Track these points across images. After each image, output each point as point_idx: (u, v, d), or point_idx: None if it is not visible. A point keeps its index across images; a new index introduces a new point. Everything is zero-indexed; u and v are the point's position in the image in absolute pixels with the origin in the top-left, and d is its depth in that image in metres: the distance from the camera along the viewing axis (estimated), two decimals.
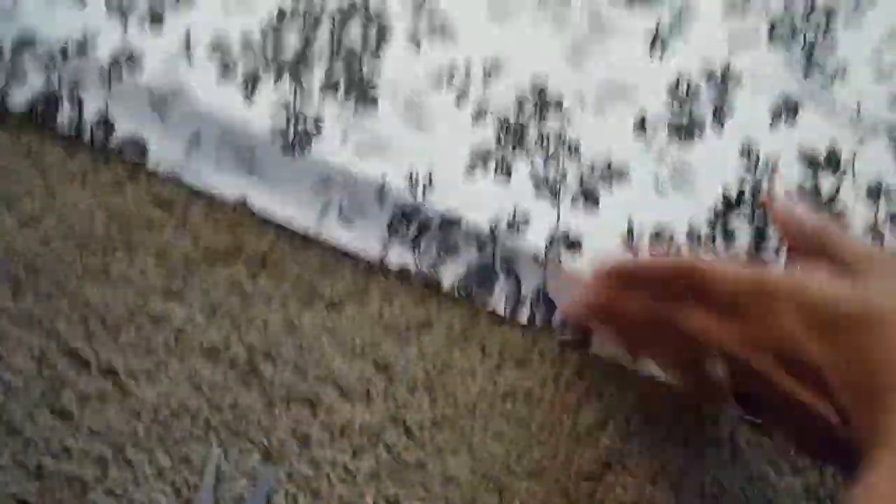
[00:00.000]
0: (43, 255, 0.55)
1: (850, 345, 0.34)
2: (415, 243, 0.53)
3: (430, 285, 0.53)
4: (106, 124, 0.56)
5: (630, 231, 0.53)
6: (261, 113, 0.56)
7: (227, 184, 0.55)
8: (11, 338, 0.54)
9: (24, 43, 0.58)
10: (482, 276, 0.52)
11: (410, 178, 0.54)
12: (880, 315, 0.33)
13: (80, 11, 0.59)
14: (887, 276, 0.35)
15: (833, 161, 0.53)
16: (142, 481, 0.52)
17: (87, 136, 0.56)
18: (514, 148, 0.54)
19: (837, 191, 0.52)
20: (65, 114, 0.56)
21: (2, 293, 0.55)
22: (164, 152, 0.55)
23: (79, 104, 0.56)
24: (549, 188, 0.53)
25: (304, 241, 0.55)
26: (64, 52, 0.57)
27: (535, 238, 0.52)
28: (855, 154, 0.53)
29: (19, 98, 0.57)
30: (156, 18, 0.58)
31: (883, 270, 0.35)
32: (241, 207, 0.55)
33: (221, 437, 0.52)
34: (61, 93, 0.57)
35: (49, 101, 0.56)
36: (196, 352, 0.53)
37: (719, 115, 0.54)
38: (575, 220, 0.53)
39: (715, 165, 0.53)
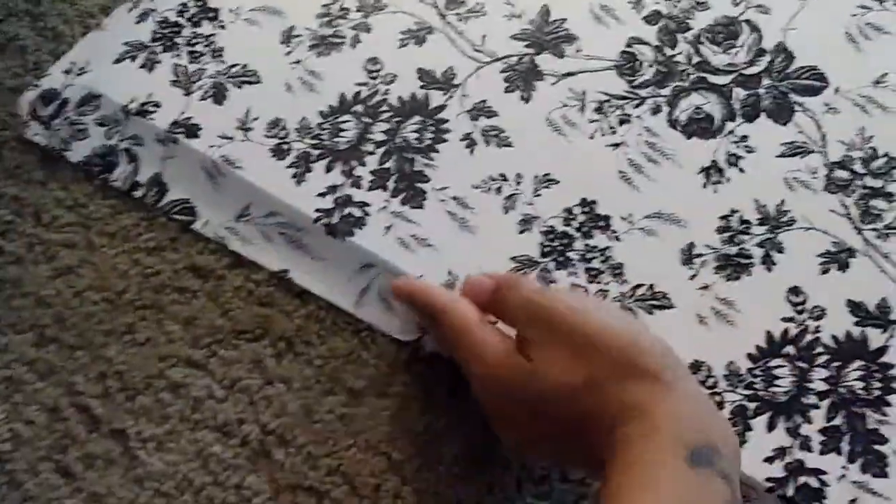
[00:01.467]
0: (73, 308, 0.55)
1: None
2: None
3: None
4: (160, 185, 0.57)
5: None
6: (309, 194, 0.56)
7: (271, 255, 0.55)
8: (28, 387, 0.53)
9: (89, 99, 0.59)
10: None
11: (449, 277, 0.53)
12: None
13: (147, 75, 0.60)
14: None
15: (883, 316, 0.51)
16: None
17: (139, 194, 0.56)
18: (557, 260, 0.53)
19: (885, 347, 0.51)
20: (120, 171, 0.57)
21: (25, 341, 0.55)
22: (213, 218, 0.56)
23: (135, 163, 0.57)
24: None
25: (333, 328, 0.54)
26: (126, 111, 0.58)
27: None
28: None
29: (78, 152, 0.58)
30: (219, 95, 0.59)
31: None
32: (276, 287, 0.55)
33: None
34: (119, 150, 0.57)
35: (107, 158, 0.57)
36: (210, 425, 0.52)
37: (769, 254, 0.53)
38: None
39: (761, 304, 0.52)
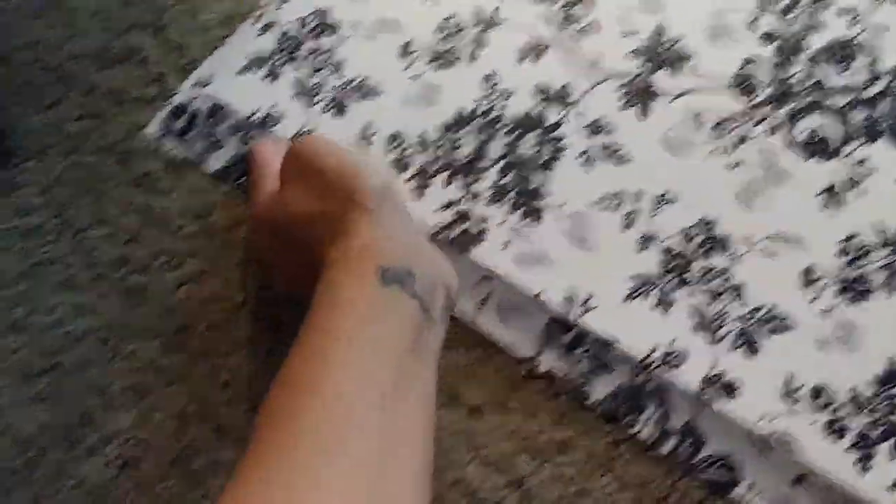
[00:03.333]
0: (197, 316, 0.56)
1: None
2: (568, 351, 0.53)
3: (577, 398, 0.53)
4: None
5: (788, 383, 0.51)
6: (429, 208, 0.57)
7: None
8: (154, 394, 0.55)
9: (216, 110, 0.60)
10: (631, 399, 0.51)
11: (569, 294, 0.53)
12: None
13: (269, 86, 0.61)
14: None
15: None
16: None
17: None
18: (677, 280, 0.54)
19: None
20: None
21: (151, 349, 0.56)
22: None
23: None
24: (709, 327, 0.52)
25: (451, 342, 0.55)
26: (251, 121, 0.60)
27: (689, 375, 0.51)
28: None
29: (216, 161, 0.59)
30: (340, 108, 0.60)
31: None
32: None
33: None
34: None
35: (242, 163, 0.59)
36: None
37: (890, 280, 0.53)
38: (732, 362, 0.51)
39: (884, 331, 0.51)
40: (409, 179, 0.58)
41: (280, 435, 0.35)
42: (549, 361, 0.53)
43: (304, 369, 0.38)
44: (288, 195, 0.46)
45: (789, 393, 0.50)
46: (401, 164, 0.58)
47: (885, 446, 0.49)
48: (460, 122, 0.60)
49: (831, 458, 0.48)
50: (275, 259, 0.51)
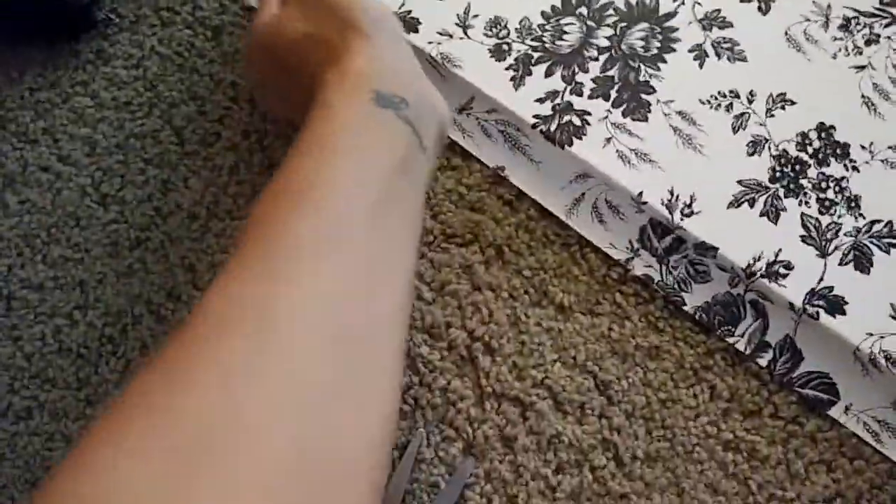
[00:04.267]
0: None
1: None
2: (665, 256, 0.50)
3: (670, 305, 0.50)
4: None
5: None
6: (528, 98, 0.54)
7: (490, 150, 0.54)
8: None
9: None
10: (728, 309, 0.49)
11: (671, 196, 0.51)
12: None
13: None
14: None
15: None
16: None
17: None
18: (788, 188, 0.50)
19: None
20: None
21: (238, 227, 0.55)
22: None
23: None
24: (819, 239, 0.49)
25: (544, 239, 0.53)
26: None
27: (794, 287, 0.48)
28: None
29: None
30: None
31: None
32: (487, 193, 0.54)
33: (428, 419, 0.50)
34: None
35: None
36: (417, 326, 0.52)
37: None
38: (841, 277, 0.48)
39: None
40: (508, 68, 0.55)
41: (268, 238, 0.34)
42: (644, 265, 0.51)
43: (294, 178, 0.37)
44: (287, 18, 0.45)
45: None
46: (501, 52, 0.55)
47: None
48: (565, 9, 0.56)
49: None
50: (270, 82, 0.49)
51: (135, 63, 0.59)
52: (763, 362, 0.48)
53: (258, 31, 0.47)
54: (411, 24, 0.56)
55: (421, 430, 0.50)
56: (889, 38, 0.53)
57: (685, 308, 0.50)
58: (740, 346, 0.49)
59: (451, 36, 0.56)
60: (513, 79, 0.55)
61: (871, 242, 0.49)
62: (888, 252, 0.49)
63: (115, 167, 0.57)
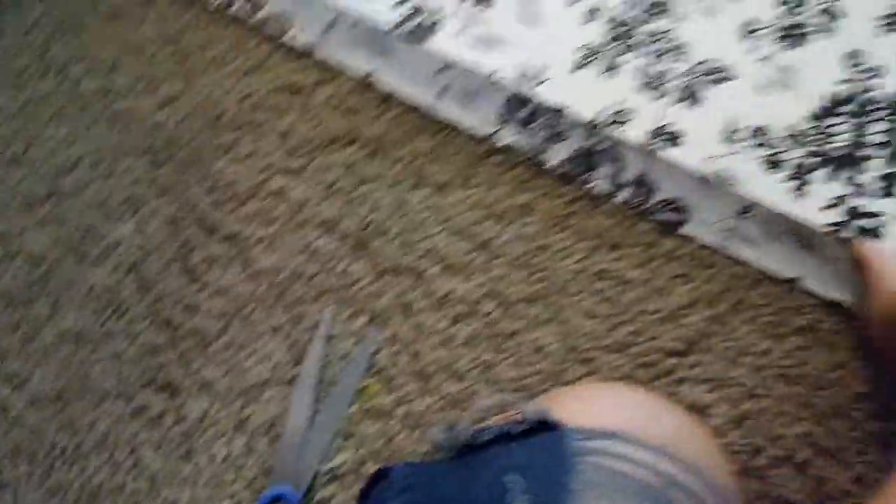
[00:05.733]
0: (180, 132, 0.61)
1: None
2: (526, 124, 0.56)
3: (534, 166, 0.56)
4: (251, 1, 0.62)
5: (729, 127, 0.54)
6: (388, 5, 0.60)
7: (356, 62, 0.60)
8: (149, 204, 0.60)
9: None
10: (585, 160, 0.55)
11: (522, 71, 0.56)
12: None
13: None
14: None
15: None
16: (259, 336, 0.56)
17: (234, 9, 0.63)
18: (622, 46, 0.56)
19: None
20: None
21: (142, 164, 0.61)
22: (304, 30, 0.61)
23: None
24: (654, 85, 0.55)
25: (417, 128, 0.58)
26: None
27: (637, 130, 0.54)
28: None
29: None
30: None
31: None
32: (360, 96, 0.60)
33: (332, 301, 0.56)
34: None
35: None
36: (312, 224, 0.58)
37: (827, 20, 0.55)
38: (676, 115, 0.54)
39: (820, 69, 0.54)
40: None
41: None
42: (507, 136, 0.57)
43: None
44: None
45: (730, 136, 0.53)
46: None
47: (819, 174, 0.52)
48: None
49: (770, 189, 0.52)
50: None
51: (25, 31, 0.64)
52: (619, 200, 0.54)
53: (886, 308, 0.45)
54: None
55: (327, 311, 0.55)
56: None
57: (548, 166, 0.55)
58: (598, 190, 0.55)
59: None
60: None
61: (699, 81, 0.55)
62: (713, 88, 0.55)
63: (18, 130, 0.62)
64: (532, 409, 0.35)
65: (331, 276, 0.56)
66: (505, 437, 0.35)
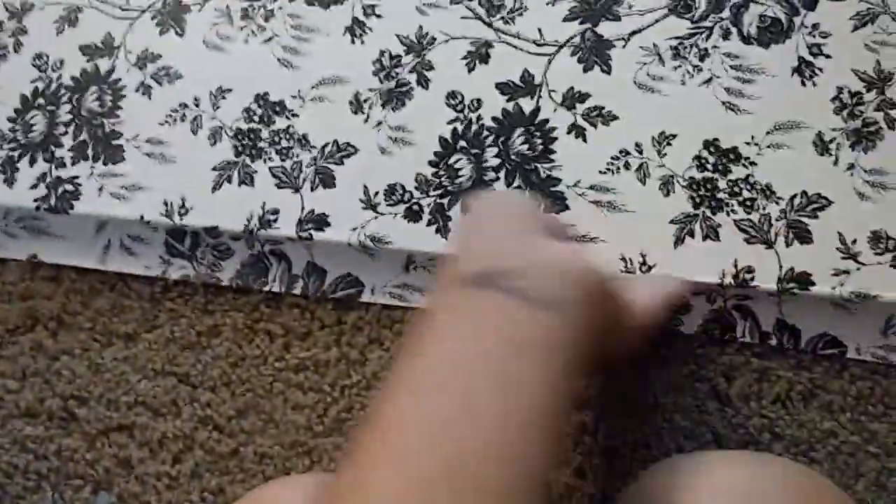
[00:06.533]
0: None
1: None
2: (191, 253, 0.59)
3: (211, 288, 0.59)
4: None
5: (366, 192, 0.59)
6: (25, 189, 0.62)
7: (18, 248, 0.63)
8: None
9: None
10: (256, 266, 0.59)
11: (168, 207, 0.59)
12: None
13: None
14: None
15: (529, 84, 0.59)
16: None
17: None
18: (251, 154, 0.60)
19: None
20: None
21: None
22: None
23: None
24: (288, 180, 0.59)
25: (92, 291, 0.60)
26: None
27: (286, 222, 0.58)
28: None
29: None
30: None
31: None
32: (30, 280, 0.62)
33: (53, 482, 0.56)
34: None
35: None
36: (15, 414, 0.58)
37: (422, 75, 0.60)
38: (317, 199, 0.58)
39: (427, 117, 0.59)
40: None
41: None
42: (177, 269, 0.59)
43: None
44: None
45: (370, 202, 0.58)
46: None
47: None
48: (25, 104, 0.64)
49: (419, 237, 0.57)
50: None
51: None
52: (298, 291, 0.57)
53: None
54: None
55: (48, 493, 0.55)
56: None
57: (224, 283, 0.58)
58: (276, 289, 0.58)
59: None
60: (5, 181, 0.62)
61: (328, 162, 0.59)
62: (343, 164, 0.59)
63: None
64: None
65: (45, 458, 0.56)
66: None
